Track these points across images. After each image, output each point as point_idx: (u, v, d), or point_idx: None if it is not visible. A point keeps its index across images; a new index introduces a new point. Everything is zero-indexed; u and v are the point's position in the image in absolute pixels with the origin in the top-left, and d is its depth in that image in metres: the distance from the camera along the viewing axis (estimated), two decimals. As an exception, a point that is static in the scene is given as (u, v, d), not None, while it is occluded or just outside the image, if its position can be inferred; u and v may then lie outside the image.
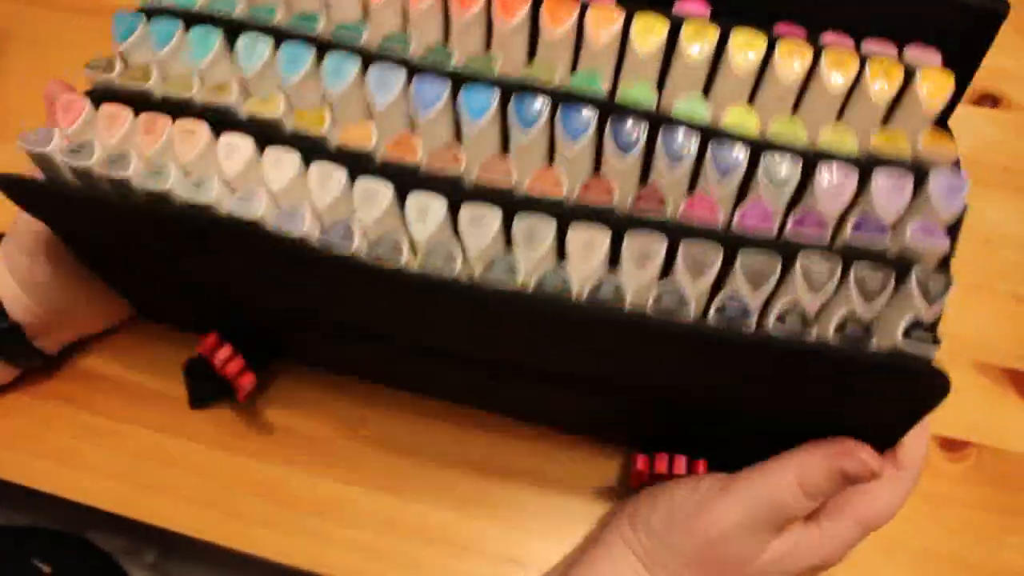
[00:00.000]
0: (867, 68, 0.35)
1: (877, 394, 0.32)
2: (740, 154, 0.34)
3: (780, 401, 0.34)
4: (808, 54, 0.35)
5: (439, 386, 0.46)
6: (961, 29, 0.36)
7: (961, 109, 0.37)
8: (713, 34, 0.36)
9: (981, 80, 0.61)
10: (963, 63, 0.36)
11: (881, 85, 0.35)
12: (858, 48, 0.37)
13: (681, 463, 0.39)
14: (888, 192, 0.33)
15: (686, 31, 0.36)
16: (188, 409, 0.47)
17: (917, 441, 0.35)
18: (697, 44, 0.36)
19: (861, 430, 0.34)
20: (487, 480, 0.45)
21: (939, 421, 0.46)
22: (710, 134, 0.34)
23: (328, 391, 0.47)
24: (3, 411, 0.47)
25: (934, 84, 0.35)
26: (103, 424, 0.46)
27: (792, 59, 0.35)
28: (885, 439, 0.35)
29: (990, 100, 0.60)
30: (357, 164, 0.35)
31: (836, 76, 0.35)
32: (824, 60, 0.35)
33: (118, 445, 0.46)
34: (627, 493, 0.45)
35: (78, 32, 0.62)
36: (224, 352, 0.42)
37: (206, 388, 0.46)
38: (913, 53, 0.37)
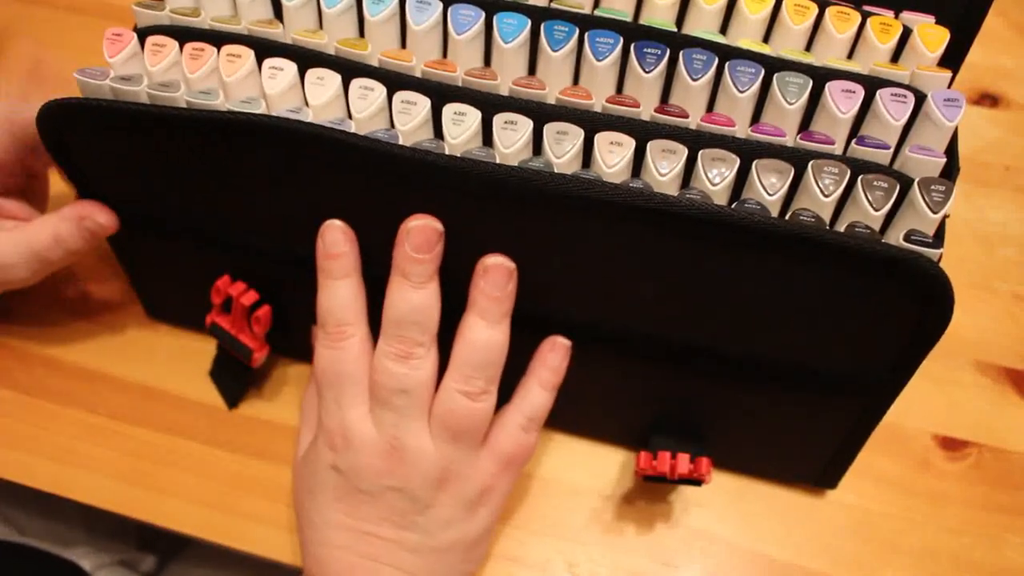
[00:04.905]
0: (868, 22, 0.39)
1: (881, 302, 0.33)
2: (755, 70, 0.36)
3: (788, 319, 0.35)
4: (814, 8, 0.39)
5: None
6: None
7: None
8: None
9: (981, 80, 0.61)
10: (960, 34, 0.39)
11: (882, 36, 0.39)
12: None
13: (684, 461, 0.40)
14: (891, 103, 0.36)
15: None
16: (189, 409, 0.47)
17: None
18: None
19: (864, 357, 0.35)
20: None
21: (939, 421, 0.47)
22: (727, 53, 0.37)
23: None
24: (3, 411, 0.47)
25: (931, 35, 0.39)
26: (103, 424, 0.46)
27: (798, 12, 0.39)
28: (889, 366, 0.36)
29: (990, 100, 0.60)
30: (397, 81, 0.37)
31: (840, 26, 0.39)
32: (828, 13, 0.39)
33: (118, 445, 0.46)
34: (626, 492, 0.45)
35: (78, 32, 0.62)
36: (239, 286, 0.43)
37: (235, 386, 0.46)
38: (909, 16, 0.41)
